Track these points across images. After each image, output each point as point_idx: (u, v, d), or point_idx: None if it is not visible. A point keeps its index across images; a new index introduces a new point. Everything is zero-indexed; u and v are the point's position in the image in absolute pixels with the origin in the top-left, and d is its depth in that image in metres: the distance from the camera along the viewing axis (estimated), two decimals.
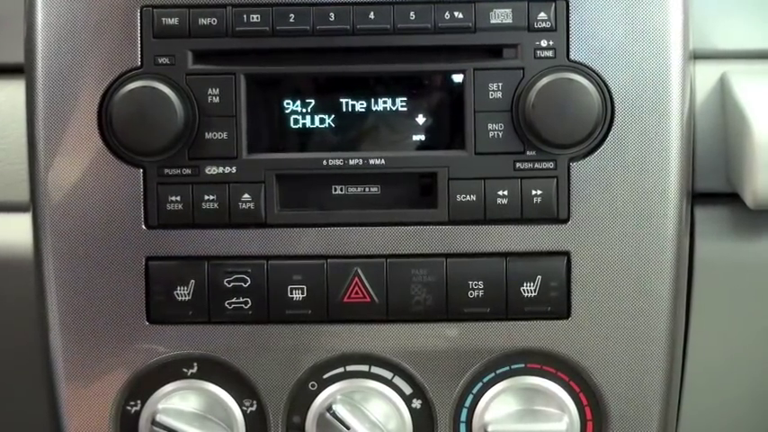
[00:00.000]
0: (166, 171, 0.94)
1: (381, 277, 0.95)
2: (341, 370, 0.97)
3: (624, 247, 0.94)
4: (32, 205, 0.95)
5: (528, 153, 0.94)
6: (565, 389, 0.97)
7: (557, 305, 0.95)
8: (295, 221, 0.95)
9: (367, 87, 0.95)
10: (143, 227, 0.95)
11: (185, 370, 0.97)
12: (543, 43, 0.93)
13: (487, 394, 0.97)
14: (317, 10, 0.93)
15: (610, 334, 0.95)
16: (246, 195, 0.94)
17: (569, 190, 0.94)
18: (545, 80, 0.92)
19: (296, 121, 0.95)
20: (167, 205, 0.94)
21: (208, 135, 0.94)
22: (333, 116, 0.95)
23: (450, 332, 0.96)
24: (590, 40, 0.93)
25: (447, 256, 0.95)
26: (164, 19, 0.93)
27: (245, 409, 0.98)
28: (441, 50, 0.94)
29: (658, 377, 0.96)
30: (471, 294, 0.95)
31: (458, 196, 0.94)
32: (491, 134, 0.94)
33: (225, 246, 0.95)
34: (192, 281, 0.95)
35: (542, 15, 0.93)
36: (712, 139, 1.00)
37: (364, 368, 0.97)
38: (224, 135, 0.94)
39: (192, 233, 0.95)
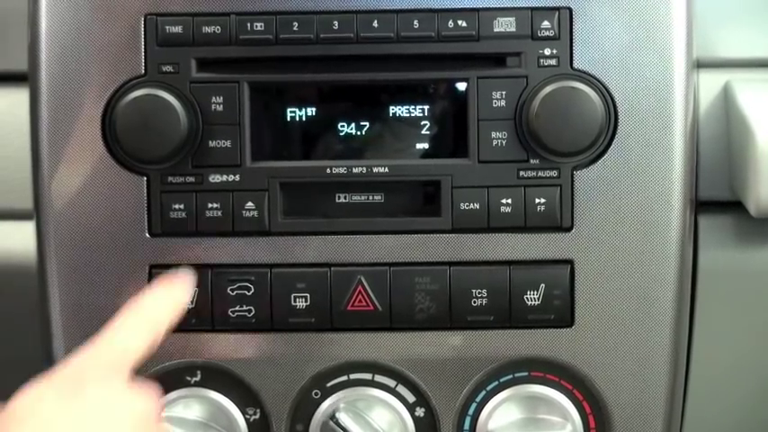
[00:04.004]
0: (170, 179, 0.94)
1: (385, 285, 0.95)
2: (344, 378, 0.97)
3: (628, 256, 0.94)
4: (36, 213, 0.95)
5: (531, 161, 0.94)
6: (568, 397, 0.97)
7: (560, 313, 0.95)
8: (298, 229, 0.95)
9: (370, 95, 0.95)
10: (146, 235, 0.95)
11: (188, 378, 0.97)
12: (546, 52, 0.93)
13: (491, 403, 0.97)
14: (320, 18, 0.93)
15: (613, 342, 0.95)
16: (250, 203, 0.94)
17: (573, 198, 0.94)
18: (548, 88, 0.92)
19: (299, 129, 0.95)
20: (171, 213, 0.94)
21: (211, 143, 0.94)
22: (336, 124, 0.95)
23: (453, 340, 0.95)
24: (593, 49, 0.93)
25: (450, 264, 0.95)
26: (167, 27, 0.94)
27: (248, 417, 0.97)
28: (444, 59, 0.94)
29: (662, 385, 0.96)
30: (475, 302, 0.94)
31: (461, 204, 0.94)
32: (494, 142, 0.94)
33: (228, 254, 0.95)
34: (196, 289, 0.95)
35: (546, 24, 0.93)
36: (716, 148, 1.00)
37: (368, 376, 0.97)
38: (228, 143, 0.94)
39: (195, 241, 0.95)
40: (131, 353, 0.80)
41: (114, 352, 0.79)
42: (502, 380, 0.97)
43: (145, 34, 0.94)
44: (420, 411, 0.98)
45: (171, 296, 0.86)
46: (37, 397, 0.75)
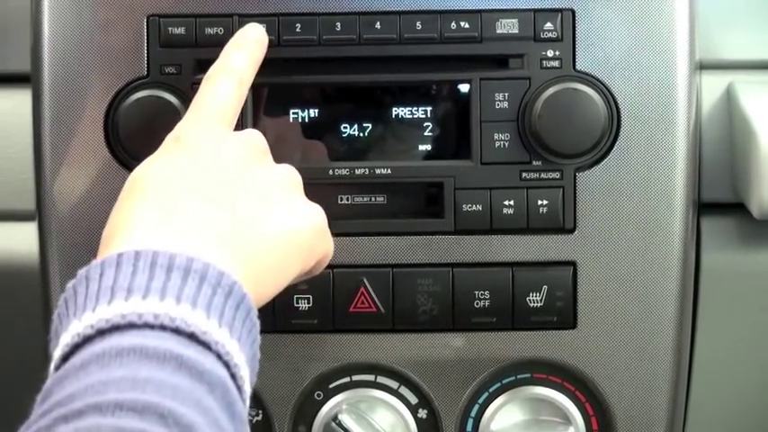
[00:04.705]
0: None
1: (387, 287, 0.94)
2: (347, 379, 0.97)
3: (630, 257, 0.94)
4: (39, 214, 0.95)
5: (534, 163, 0.94)
6: (571, 399, 0.97)
7: (563, 315, 0.95)
8: None
9: (373, 97, 0.95)
10: None
11: None
12: (549, 53, 0.93)
13: (493, 404, 0.97)
14: (323, 20, 0.93)
15: (616, 344, 0.95)
16: None
17: (575, 200, 0.94)
18: (551, 90, 0.92)
19: (302, 131, 0.95)
20: None
21: None
22: (339, 126, 0.95)
23: (456, 342, 0.95)
24: (596, 51, 0.93)
25: (453, 265, 0.95)
26: (170, 28, 0.94)
27: (250, 418, 0.97)
28: (447, 60, 0.94)
29: (665, 387, 0.96)
30: (477, 304, 0.94)
31: (464, 206, 0.94)
32: (497, 144, 0.94)
33: None
34: None
35: (548, 25, 0.93)
36: (718, 150, 1.00)
37: (370, 378, 0.97)
38: None
39: None
40: (226, 107, 0.82)
41: (210, 111, 0.81)
42: (504, 381, 0.97)
43: (147, 36, 0.94)
44: (423, 413, 0.98)
45: (248, 46, 0.87)
46: (147, 165, 0.77)
